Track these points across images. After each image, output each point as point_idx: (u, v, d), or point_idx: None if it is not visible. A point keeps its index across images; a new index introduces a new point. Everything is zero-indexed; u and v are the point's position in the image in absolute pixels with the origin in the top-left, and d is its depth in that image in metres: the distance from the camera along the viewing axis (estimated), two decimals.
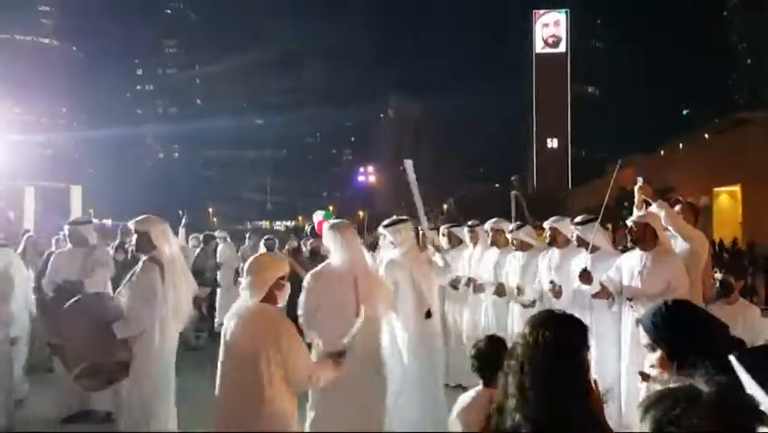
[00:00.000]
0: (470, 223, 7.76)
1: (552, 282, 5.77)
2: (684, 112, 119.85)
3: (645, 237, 5.01)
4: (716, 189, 45.09)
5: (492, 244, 7.12)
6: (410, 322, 5.09)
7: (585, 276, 5.11)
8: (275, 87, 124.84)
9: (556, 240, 6.15)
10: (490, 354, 3.22)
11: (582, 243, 5.71)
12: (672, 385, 1.07)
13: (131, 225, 4.90)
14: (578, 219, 5.97)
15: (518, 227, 6.79)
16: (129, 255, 7.57)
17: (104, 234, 10.08)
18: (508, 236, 6.80)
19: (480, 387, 3.26)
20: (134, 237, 4.85)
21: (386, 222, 5.61)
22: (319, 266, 4.55)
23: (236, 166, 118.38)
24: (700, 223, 5.70)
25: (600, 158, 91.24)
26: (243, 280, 3.56)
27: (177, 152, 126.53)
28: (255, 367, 3.27)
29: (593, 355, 5.36)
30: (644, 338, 2.03)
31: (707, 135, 56.07)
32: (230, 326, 3.45)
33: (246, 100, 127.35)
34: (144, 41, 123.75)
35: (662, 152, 62.34)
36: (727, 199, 44.97)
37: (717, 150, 45.71)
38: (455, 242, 7.75)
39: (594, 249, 5.48)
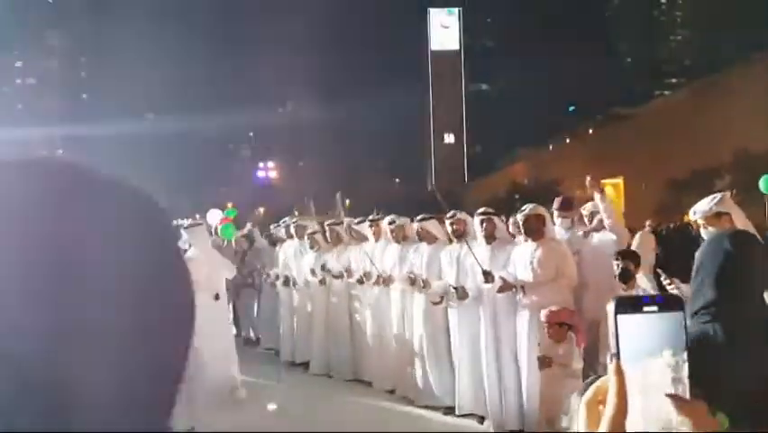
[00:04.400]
0: (371, 217, 7.88)
1: (454, 288, 6.06)
2: (570, 108, 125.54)
3: (537, 228, 5.34)
4: (601, 181, 47.67)
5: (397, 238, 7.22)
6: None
7: (487, 276, 5.44)
8: (167, 80, 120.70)
9: (462, 233, 6.33)
10: None
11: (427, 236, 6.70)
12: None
13: None
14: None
15: (425, 219, 6.92)
16: None
17: None
18: (415, 226, 6.90)
19: None
20: None
21: (185, 225, 7.38)
22: None
23: (127, 162, 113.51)
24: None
25: (494, 153, 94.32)
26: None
27: (61, 148, 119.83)
28: None
29: (497, 349, 5.68)
30: None
31: (591, 130, 59.21)
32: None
33: (136, 93, 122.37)
34: (25, 31, 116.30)
35: (551, 147, 65.27)
36: (611, 191, 47.62)
37: (600, 144, 48.46)
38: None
39: (492, 239, 5.79)
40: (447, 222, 6.39)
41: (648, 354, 0.57)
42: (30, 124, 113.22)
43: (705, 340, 1.94)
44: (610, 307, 0.60)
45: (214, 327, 6.42)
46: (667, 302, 0.60)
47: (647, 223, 15.28)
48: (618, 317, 0.59)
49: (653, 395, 0.57)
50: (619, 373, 0.58)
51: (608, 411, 0.58)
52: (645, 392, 0.57)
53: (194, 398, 5.69)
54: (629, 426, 0.56)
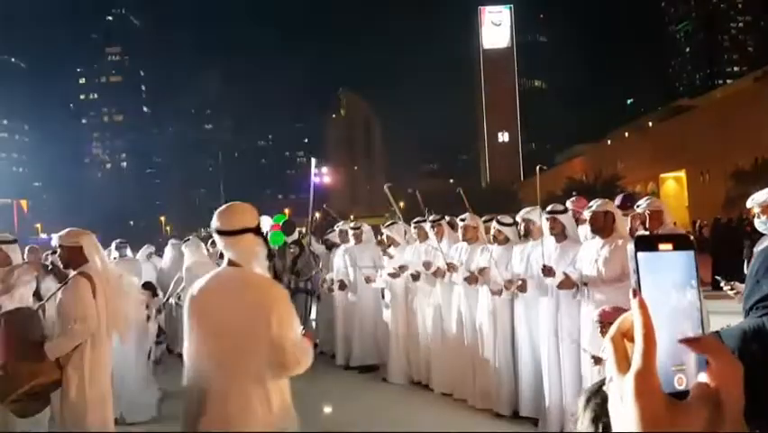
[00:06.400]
0: (431, 217, 7.70)
1: (511, 280, 5.93)
2: (629, 101, 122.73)
3: (605, 225, 5.14)
4: (662, 175, 46.38)
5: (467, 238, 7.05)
6: None
7: (547, 270, 5.28)
8: (223, 91, 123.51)
9: (530, 232, 6.19)
10: None
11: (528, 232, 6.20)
12: None
13: (56, 239, 4.70)
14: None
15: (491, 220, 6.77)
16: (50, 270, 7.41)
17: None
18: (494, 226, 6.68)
19: None
20: (59, 252, 4.71)
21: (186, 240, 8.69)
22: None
23: (188, 172, 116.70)
24: None
25: (550, 150, 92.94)
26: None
27: (125, 161, 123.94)
28: None
29: (557, 343, 5.54)
30: None
31: (651, 123, 57.63)
32: None
33: (194, 105, 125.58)
34: (86, 48, 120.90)
35: (609, 142, 63.76)
36: (674, 185, 46.31)
37: (662, 137, 47.01)
38: (423, 236, 7.67)
39: (562, 238, 5.64)
40: (520, 219, 6.26)
41: (664, 289, 0.61)
42: (93, 139, 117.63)
43: (760, 333, 1.89)
44: (630, 246, 0.63)
45: None
46: (680, 241, 0.63)
47: None
48: (638, 254, 0.62)
49: (671, 328, 0.59)
50: (643, 306, 0.60)
51: (638, 345, 0.59)
52: (662, 326, 0.59)
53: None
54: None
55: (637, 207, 5.72)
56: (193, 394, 2.91)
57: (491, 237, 6.61)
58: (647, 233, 5.39)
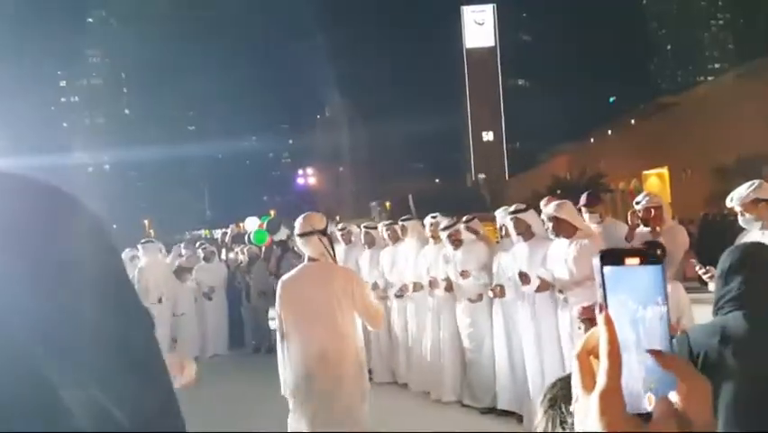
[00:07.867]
0: (403, 218, 7.81)
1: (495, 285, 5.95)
2: (611, 99, 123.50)
3: (561, 229, 5.13)
4: (645, 173, 46.65)
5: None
6: None
7: (524, 277, 5.26)
8: (206, 92, 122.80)
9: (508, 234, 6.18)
10: None
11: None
12: None
13: None
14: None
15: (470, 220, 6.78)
16: None
17: None
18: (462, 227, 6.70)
19: None
20: None
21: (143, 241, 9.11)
22: None
23: (171, 175, 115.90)
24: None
25: (534, 148, 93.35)
26: None
27: (107, 164, 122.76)
28: None
29: (538, 347, 5.52)
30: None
31: (633, 121, 57.97)
32: None
33: (176, 106, 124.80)
34: (66, 51, 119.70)
35: (592, 140, 64.05)
36: (656, 181, 46.58)
37: (644, 134, 47.32)
38: (394, 238, 7.82)
39: (530, 236, 5.61)
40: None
41: (631, 304, 0.58)
42: (75, 141, 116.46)
43: (725, 329, 1.91)
44: (596, 260, 0.60)
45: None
46: (648, 255, 0.60)
47: None
48: (604, 268, 0.59)
49: (639, 346, 0.57)
50: (609, 322, 0.58)
51: (603, 363, 0.57)
52: (630, 343, 0.57)
53: None
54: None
55: (636, 203, 5.70)
56: (299, 357, 3.95)
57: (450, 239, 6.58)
58: (648, 229, 5.39)
